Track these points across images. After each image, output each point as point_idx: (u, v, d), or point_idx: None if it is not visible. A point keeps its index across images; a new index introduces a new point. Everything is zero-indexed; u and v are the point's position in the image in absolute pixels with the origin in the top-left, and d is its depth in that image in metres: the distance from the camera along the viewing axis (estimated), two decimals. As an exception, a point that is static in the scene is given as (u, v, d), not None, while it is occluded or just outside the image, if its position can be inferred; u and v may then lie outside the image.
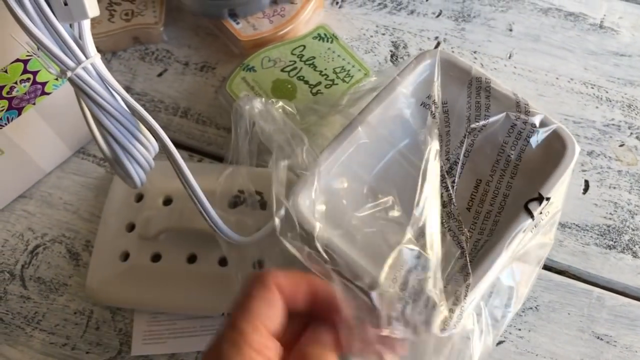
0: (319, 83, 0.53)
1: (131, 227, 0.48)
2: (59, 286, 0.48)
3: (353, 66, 0.53)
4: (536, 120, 0.40)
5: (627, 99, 0.55)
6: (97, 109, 0.35)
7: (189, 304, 0.46)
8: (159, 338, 0.45)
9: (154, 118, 0.55)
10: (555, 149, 0.40)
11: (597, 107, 0.55)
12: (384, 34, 0.58)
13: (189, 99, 0.56)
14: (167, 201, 0.49)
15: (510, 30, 0.59)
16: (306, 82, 0.53)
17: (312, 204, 0.38)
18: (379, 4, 0.60)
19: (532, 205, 0.37)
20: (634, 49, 0.58)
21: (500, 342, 0.46)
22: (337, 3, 0.60)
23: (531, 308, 0.47)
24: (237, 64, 0.54)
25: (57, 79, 0.45)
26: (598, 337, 0.46)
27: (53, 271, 0.49)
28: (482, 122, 0.41)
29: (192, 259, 0.47)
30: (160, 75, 0.57)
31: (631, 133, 0.53)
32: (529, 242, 0.39)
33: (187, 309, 0.46)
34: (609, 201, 0.51)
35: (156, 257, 0.47)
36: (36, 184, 0.52)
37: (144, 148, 0.38)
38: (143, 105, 0.54)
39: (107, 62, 0.57)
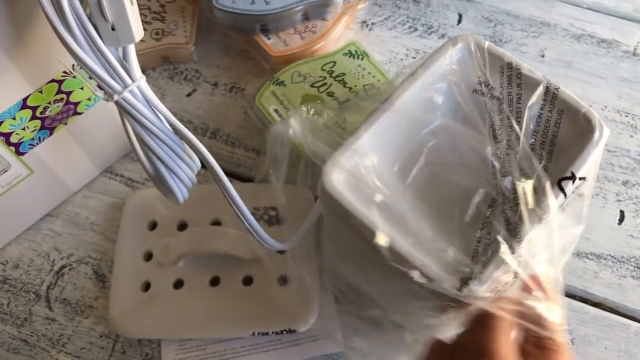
0: (348, 100, 0.52)
1: (148, 256, 0.47)
2: (85, 308, 0.47)
3: (383, 83, 0.53)
4: (565, 104, 0.40)
5: (662, 128, 0.54)
6: (142, 130, 0.35)
7: (217, 327, 0.45)
8: (190, 365, 0.45)
9: (181, 138, 0.55)
10: (585, 132, 0.39)
11: (631, 136, 0.54)
12: (414, 57, 0.58)
13: (217, 119, 0.55)
14: (182, 226, 0.48)
15: (543, 56, 0.58)
16: (335, 99, 0.52)
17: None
18: (410, 27, 0.60)
19: (564, 184, 0.36)
20: (668, 77, 0.57)
21: (535, 376, 0.44)
22: (367, 26, 0.60)
23: (567, 342, 0.46)
24: (267, 79, 0.54)
25: (89, 99, 0.45)
26: (636, 373, 0.45)
27: (79, 293, 0.48)
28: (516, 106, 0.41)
29: (215, 281, 0.46)
30: (189, 95, 0.57)
31: (667, 163, 0.53)
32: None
33: (216, 332, 0.45)
34: (645, 232, 0.50)
35: (178, 284, 0.46)
36: (63, 203, 0.51)
37: (187, 166, 0.39)
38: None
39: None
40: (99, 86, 0.33)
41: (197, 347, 0.45)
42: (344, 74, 0.54)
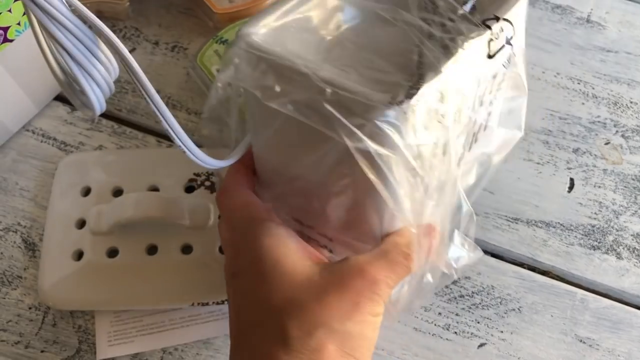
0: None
1: (81, 224, 0.45)
2: (13, 279, 0.45)
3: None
4: None
5: (613, 96, 0.54)
6: (49, 20, 0.30)
7: (154, 297, 0.43)
8: (126, 337, 0.42)
9: (120, 100, 0.52)
10: None
11: (583, 104, 0.53)
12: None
13: (158, 80, 0.52)
14: (117, 192, 0.46)
15: (497, 20, 0.57)
16: None
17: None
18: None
19: (489, 22, 0.34)
20: (620, 45, 0.57)
21: (481, 345, 0.44)
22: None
23: (514, 309, 0.45)
24: (210, 37, 0.51)
25: (19, 24, 0.42)
26: (581, 340, 0.44)
27: (6, 262, 0.45)
28: None
29: (152, 250, 0.44)
30: (128, 54, 0.53)
31: (617, 131, 0.52)
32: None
33: (153, 303, 0.43)
34: (594, 200, 0.49)
35: (113, 253, 0.43)
36: (-11, 167, 0.48)
37: (104, 68, 0.34)
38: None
39: (70, 38, 0.53)
40: None
41: (134, 319, 0.43)
42: (292, 34, 0.51)
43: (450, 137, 0.33)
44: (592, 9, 0.58)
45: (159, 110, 0.35)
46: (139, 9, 0.55)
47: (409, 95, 0.30)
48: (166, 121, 0.35)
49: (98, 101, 0.34)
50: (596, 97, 0.54)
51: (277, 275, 0.31)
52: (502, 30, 0.34)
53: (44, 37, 0.32)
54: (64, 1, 0.31)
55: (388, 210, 0.33)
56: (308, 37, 0.35)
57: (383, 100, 0.29)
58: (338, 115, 0.31)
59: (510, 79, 0.37)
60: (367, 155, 0.31)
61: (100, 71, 0.33)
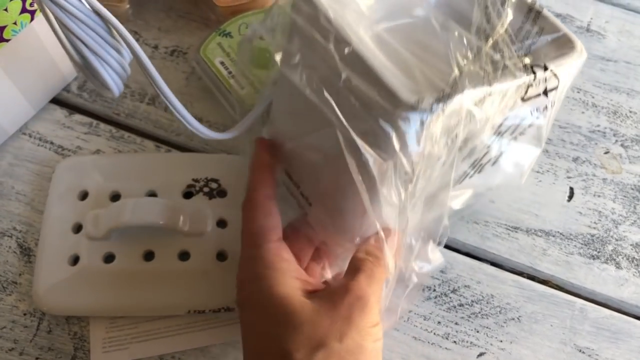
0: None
1: (78, 228, 0.44)
2: (7, 284, 0.44)
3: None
4: (547, 23, 0.37)
5: (613, 105, 0.54)
6: (63, 13, 0.33)
7: (150, 304, 0.43)
8: (120, 344, 0.42)
9: (118, 104, 0.51)
10: (563, 49, 0.37)
11: (583, 113, 0.53)
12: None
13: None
14: (115, 197, 0.45)
15: (497, 28, 0.57)
16: None
17: None
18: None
19: (536, 68, 0.34)
20: (620, 55, 0.57)
21: (481, 354, 0.44)
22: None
23: (513, 319, 0.45)
24: (213, 30, 0.51)
25: (15, 24, 0.42)
26: (580, 350, 0.44)
27: (1, 268, 0.44)
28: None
29: (148, 256, 0.43)
30: (126, 58, 0.53)
31: (616, 140, 0.52)
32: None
33: (148, 310, 0.43)
34: (594, 210, 0.49)
35: (109, 258, 0.43)
36: (-15, 170, 0.47)
37: (117, 52, 0.38)
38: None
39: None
40: None
41: (129, 326, 0.42)
42: (293, 26, 0.51)
43: (454, 158, 0.33)
44: (591, 19, 0.58)
45: (159, 89, 0.39)
46: (139, 12, 0.55)
47: (438, 102, 0.29)
48: (162, 94, 0.40)
49: (114, 83, 0.39)
50: (596, 106, 0.54)
51: (279, 311, 0.33)
52: (545, 81, 0.34)
53: (61, 29, 0.36)
54: None
55: (365, 208, 0.33)
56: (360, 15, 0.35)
57: (408, 101, 0.29)
58: (337, 112, 0.31)
59: (533, 127, 0.37)
60: (358, 155, 0.31)
61: (112, 55, 0.38)
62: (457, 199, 0.40)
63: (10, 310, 0.43)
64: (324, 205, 0.38)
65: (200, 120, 0.50)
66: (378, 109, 0.30)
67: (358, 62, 0.31)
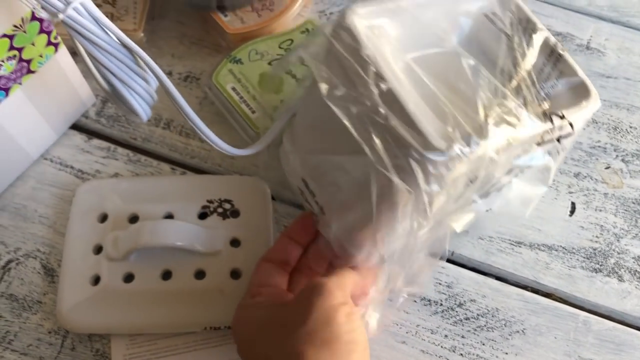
0: (307, 77, 0.52)
1: (98, 250, 0.46)
2: (33, 304, 0.46)
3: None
4: (567, 67, 0.40)
5: (613, 121, 0.55)
6: (91, 46, 0.36)
7: (168, 321, 0.44)
8: (140, 361, 0.44)
9: (135, 129, 0.53)
10: (578, 97, 0.39)
11: (583, 129, 0.55)
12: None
13: (171, 109, 0.54)
14: (133, 219, 0.47)
15: (499, 48, 0.58)
16: (293, 76, 0.52)
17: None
18: (368, 17, 0.60)
19: (553, 116, 0.36)
20: (620, 71, 0.58)
21: (487, 366, 0.45)
22: (326, 15, 0.59)
23: (518, 331, 0.46)
24: (224, 56, 0.53)
25: (41, 56, 0.44)
26: (584, 362, 0.46)
27: (26, 288, 0.47)
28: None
29: (166, 275, 0.45)
30: (142, 84, 0.55)
31: (617, 155, 0.54)
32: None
33: (167, 327, 0.45)
34: (595, 224, 0.51)
35: (129, 278, 0.45)
36: (9, 195, 0.50)
37: (144, 80, 0.40)
38: (122, 116, 0.53)
39: (86, 69, 0.56)
40: (42, 7, 0.35)
41: (149, 342, 0.44)
42: (301, 52, 0.54)
43: (469, 195, 0.35)
44: (591, 36, 0.60)
45: (180, 108, 0.42)
46: (153, 40, 0.57)
47: (464, 148, 0.32)
48: (187, 116, 0.43)
49: (142, 109, 0.41)
50: (596, 122, 0.55)
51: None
52: (561, 129, 0.36)
53: (90, 60, 0.39)
54: (104, 30, 0.38)
55: (377, 231, 0.35)
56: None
57: (439, 146, 0.31)
58: (375, 145, 0.33)
59: (542, 168, 0.39)
60: (385, 184, 0.33)
61: (139, 83, 0.40)
62: (459, 221, 0.42)
63: (36, 329, 0.45)
64: (338, 218, 0.40)
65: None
66: (410, 148, 0.32)
67: (394, 102, 0.33)
